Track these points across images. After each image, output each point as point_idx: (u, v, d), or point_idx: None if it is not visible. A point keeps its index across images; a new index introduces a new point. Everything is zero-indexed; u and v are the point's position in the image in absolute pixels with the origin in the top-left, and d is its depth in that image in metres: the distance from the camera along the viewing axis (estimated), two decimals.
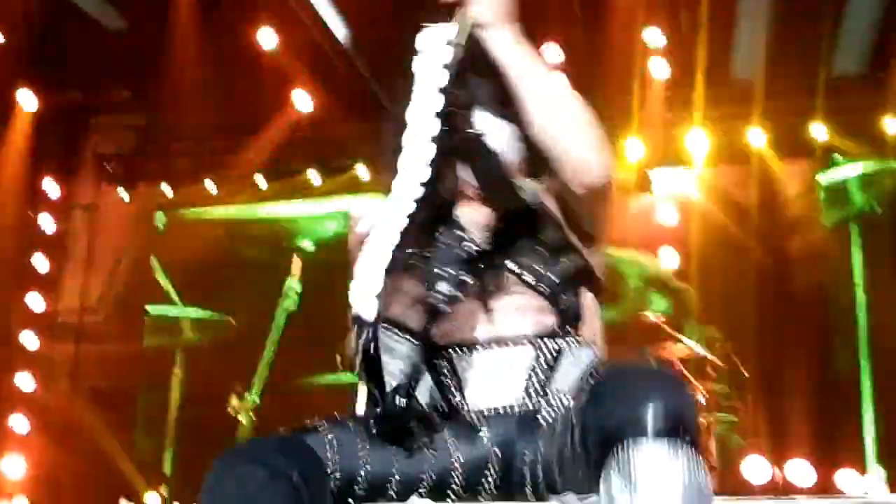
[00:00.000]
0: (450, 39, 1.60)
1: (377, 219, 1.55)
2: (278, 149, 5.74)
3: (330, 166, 5.99)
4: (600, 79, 5.08)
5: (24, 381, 5.86)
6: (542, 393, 1.62)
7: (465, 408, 1.62)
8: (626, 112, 5.22)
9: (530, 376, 1.63)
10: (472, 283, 1.62)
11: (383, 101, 4.78)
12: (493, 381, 1.63)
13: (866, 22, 4.98)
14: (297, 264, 4.84)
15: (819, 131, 5.17)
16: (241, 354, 4.87)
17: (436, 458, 1.55)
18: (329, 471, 1.48)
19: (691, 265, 5.29)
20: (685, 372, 4.33)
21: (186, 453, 4.82)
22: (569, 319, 1.68)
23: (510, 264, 1.68)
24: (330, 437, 1.51)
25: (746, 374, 4.65)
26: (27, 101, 5.94)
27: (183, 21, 5.26)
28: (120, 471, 5.49)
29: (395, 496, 1.53)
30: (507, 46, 1.65)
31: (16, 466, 5.63)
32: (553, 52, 5.11)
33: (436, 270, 1.60)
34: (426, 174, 1.56)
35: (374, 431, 1.54)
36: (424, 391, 1.63)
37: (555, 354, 1.65)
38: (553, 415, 1.58)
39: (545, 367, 1.64)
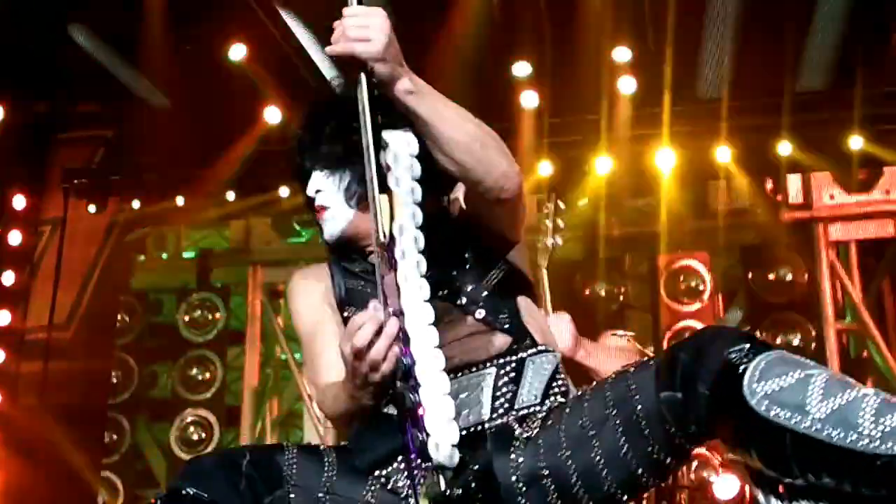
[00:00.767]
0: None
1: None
2: (249, 164, 5.72)
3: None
4: (569, 96, 5.16)
5: None
6: (510, 408, 1.68)
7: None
8: (595, 129, 5.28)
9: (495, 395, 1.70)
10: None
11: None
12: (460, 404, 1.67)
13: (831, 38, 5.04)
14: None
15: (784, 148, 5.25)
16: None
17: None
18: (286, 474, 1.60)
19: None
20: None
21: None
22: (517, 332, 1.78)
23: (443, 292, 1.74)
24: (295, 451, 1.64)
25: None
26: None
27: (153, 34, 5.22)
28: (88, 488, 5.44)
29: None
30: (408, 98, 1.64)
31: None
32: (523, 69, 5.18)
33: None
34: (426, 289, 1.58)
35: (356, 464, 1.65)
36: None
37: (517, 368, 1.73)
38: (527, 428, 1.64)
39: (509, 383, 1.71)
